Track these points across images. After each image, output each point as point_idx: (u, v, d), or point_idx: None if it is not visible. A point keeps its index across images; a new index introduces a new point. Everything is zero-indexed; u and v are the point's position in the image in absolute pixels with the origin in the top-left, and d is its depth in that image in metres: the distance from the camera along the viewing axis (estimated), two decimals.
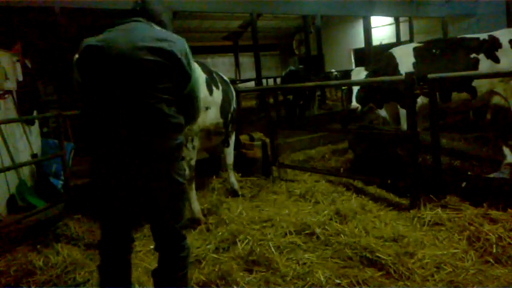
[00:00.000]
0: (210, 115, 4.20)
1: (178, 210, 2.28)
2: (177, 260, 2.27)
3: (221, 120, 4.40)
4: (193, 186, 4.12)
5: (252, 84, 12.46)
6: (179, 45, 2.21)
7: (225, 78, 4.89)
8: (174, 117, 2.21)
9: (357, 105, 5.53)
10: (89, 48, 2.20)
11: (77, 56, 2.28)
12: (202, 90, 4.11)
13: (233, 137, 5.06)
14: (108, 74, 2.16)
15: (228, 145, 4.99)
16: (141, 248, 3.57)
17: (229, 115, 4.63)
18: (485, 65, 5.30)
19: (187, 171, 4.00)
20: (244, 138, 5.89)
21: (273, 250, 3.17)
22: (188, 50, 2.27)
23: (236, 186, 4.93)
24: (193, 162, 4.08)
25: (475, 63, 5.33)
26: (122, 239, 2.34)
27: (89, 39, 2.24)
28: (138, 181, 2.17)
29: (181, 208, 2.32)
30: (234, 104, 4.82)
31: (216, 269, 2.95)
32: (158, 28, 2.34)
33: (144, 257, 3.43)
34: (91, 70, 2.21)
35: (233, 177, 4.99)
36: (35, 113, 5.84)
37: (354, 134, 5.55)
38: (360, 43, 13.96)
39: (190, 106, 2.34)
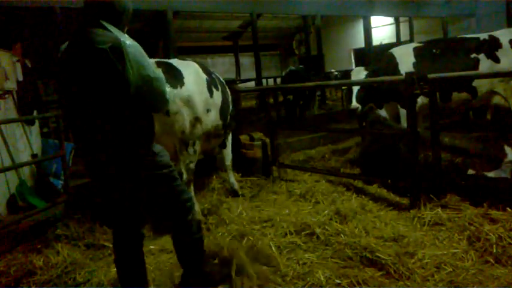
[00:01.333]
0: (211, 117, 4.13)
1: (171, 191, 2.48)
2: (187, 227, 2.54)
3: (220, 122, 4.35)
4: (192, 189, 4.08)
5: (252, 84, 12.47)
6: (110, 45, 2.13)
7: (221, 79, 4.82)
8: (127, 124, 2.24)
9: (357, 105, 5.52)
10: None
11: None
12: (203, 92, 4.04)
13: (229, 138, 5.02)
14: (64, 85, 2.37)
15: (225, 146, 4.95)
16: None
17: (228, 117, 4.58)
18: (485, 65, 5.31)
19: (185, 175, 3.90)
20: (244, 138, 5.88)
21: (273, 250, 3.17)
22: (126, 49, 2.16)
23: (236, 186, 4.93)
24: (192, 166, 3.98)
25: (475, 63, 5.33)
26: (130, 235, 2.49)
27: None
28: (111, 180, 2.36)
29: (174, 188, 2.48)
30: (231, 106, 4.78)
31: None
32: (98, 30, 2.21)
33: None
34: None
35: (233, 178, 4.97)
36: (35, 113, 5.84)
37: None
38: (360, 43, 13.97)
39: (149, 106, 2.32)
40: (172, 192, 2.49)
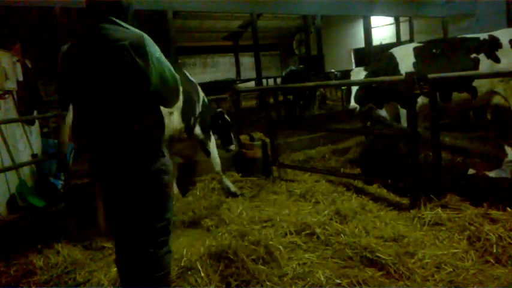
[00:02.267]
0: (173, 120, 3.95)
1: (162, 209, 2.24)
2: (160, 259, 2.23)
3: (182, 125, 4.14)
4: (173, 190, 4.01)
5: (252, 84, 12.46)
6: (130, 41, 2.04)
7: (191, 77, 4.55)
8: (143, 121, 2.14)
9: (355, 105, 5.52)
10: (60, 59, 2.26)
11: None
12: None
13: (211, 144, 4.83)
14: (75, 88, 2.22)
15: (208, 154, 4.80)
16: None
17: (192, 119, 4.28)
18: (485, 64, 5.31)
19: None
20: (244, 138, 5.89)
21: (273, 250, 3.16)
22: (148, 44, 2.09)
23: (233, 188, 4.87)
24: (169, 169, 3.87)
25: (476, 63, 5.33)
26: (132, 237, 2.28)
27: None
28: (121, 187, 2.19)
29: (166, 206, 2.27)
30: (199, 108, 4.48)
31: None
32: (120, 30, 2.12)
33: None
34: (62, 83, 2.34)
35: (226, 181, 4.88)
36: (35, 113, 5.84)
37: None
38: (360, 43, 13.95)
39: (162, 102, 2.26)
40: (165, 202, 2.27)
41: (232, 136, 5.34)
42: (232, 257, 2.95)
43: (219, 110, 5.22)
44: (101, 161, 2.22)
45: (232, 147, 5.30)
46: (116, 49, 2.02)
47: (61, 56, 2.23)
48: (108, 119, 2.13)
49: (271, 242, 3.22)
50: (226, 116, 5.20)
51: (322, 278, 2.77)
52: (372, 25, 13.10)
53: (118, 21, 2.14)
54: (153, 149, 2.20)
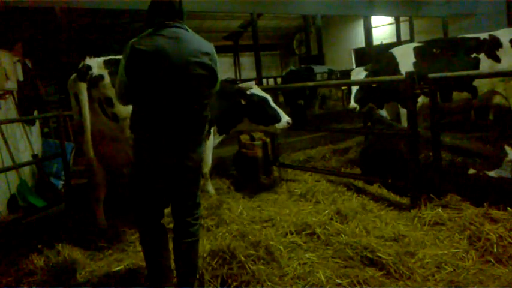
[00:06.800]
0: None
1: (199, 183, 2.71)
2: (192, 226, 2.62)
3: None
4: None
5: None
6: (213, 53, 2.54)
7: None
8: (207, 113, 2.60)
9: (355, 105, 5.53)
10: (138, 52, 2.37)
11: (124, 57, 2.44)
12: None
13: (209, 143, 4.62)
14: (159, 82, 2.39)
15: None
16: None
17: None
18: (485, 64, 5.31)
19: None
20: (244, 138, 5.88)
21: (273, 250, 3.16)
22: (215, 53, 2.58)
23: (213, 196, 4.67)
24: None
25: (476, 63, 5.33)
26: (157, 214, 2.66)
27: (136, 41, 2.41)
28: (177, 167, 2.52)
29: (200, 181, 2.75)
30: None
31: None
32: (195, 35, 2.54)
33: None
34: (140, 75, 2.41)
35: (210, 186, 4.75)
36: (35, 113, 5.84)
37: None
38: (361, 43, 13.97)
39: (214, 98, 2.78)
40: (197, 183, 2.67)
41: (275, 109, 4.65)
42: (232, 257, 2.95)
43: (248, 90, 4.66)
44: (163, 147, 2.48)
45: (282, 123, 4.63)
46: (201, 55, 2.45)
47: (135, 51, 2.37)
48: (183, 111, 2.46)
49: (271, 242, 3.21)
50: (254, 92, 4.66)
51: (323, 278, 2.77)
52: (372, 25, 13.12)
53: (185, 25, 2.52)
54: (203, 139, 2.62)
